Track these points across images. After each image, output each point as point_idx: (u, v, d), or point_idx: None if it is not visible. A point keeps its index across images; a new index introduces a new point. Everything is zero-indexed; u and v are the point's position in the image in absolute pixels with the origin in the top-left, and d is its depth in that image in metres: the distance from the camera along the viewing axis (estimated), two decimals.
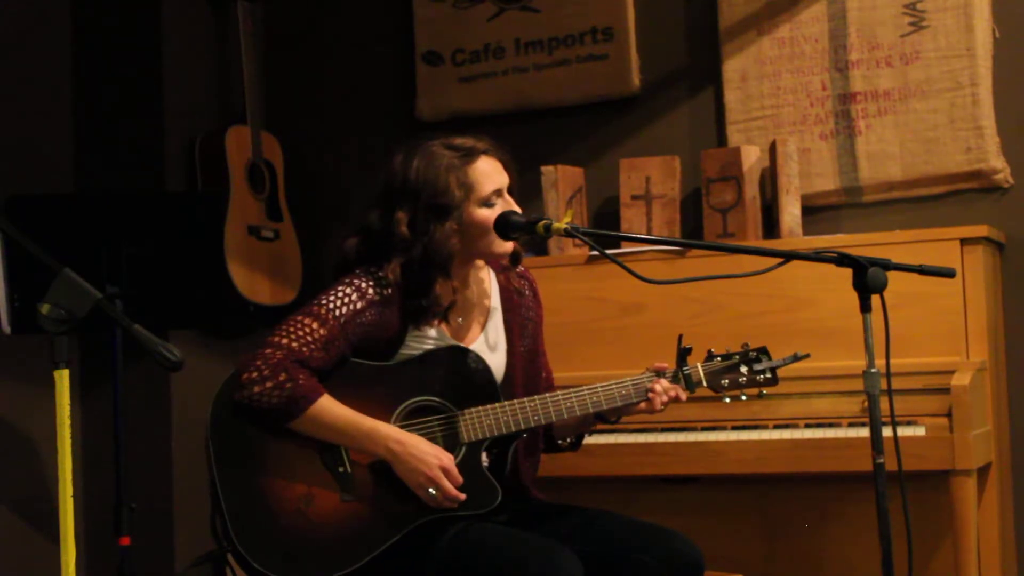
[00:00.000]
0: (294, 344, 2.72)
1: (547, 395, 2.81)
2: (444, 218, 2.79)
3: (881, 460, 2.56)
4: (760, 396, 2.90)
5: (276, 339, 2.74)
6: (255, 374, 2.69)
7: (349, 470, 2.74)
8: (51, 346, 2.14)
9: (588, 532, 2.79)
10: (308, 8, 4.74)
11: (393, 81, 4.60)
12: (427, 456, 2.70)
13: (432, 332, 2.85)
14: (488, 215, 2.82)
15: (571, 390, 2.81)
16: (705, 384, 2.86)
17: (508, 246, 2.86)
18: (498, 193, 2.85)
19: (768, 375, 2.87)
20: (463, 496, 2.71)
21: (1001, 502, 3.57)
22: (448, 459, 2.71)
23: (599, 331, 3.79)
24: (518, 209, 2.87)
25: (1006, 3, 3.86)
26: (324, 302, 2.79)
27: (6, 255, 3.37)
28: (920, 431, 3.27)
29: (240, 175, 4.35)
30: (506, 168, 2.89)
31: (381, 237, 2.84)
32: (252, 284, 4.30)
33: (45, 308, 2.12)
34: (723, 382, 2.86)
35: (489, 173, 2.84)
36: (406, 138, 2.98)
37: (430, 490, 2.69)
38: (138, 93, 4.36)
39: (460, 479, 2.71)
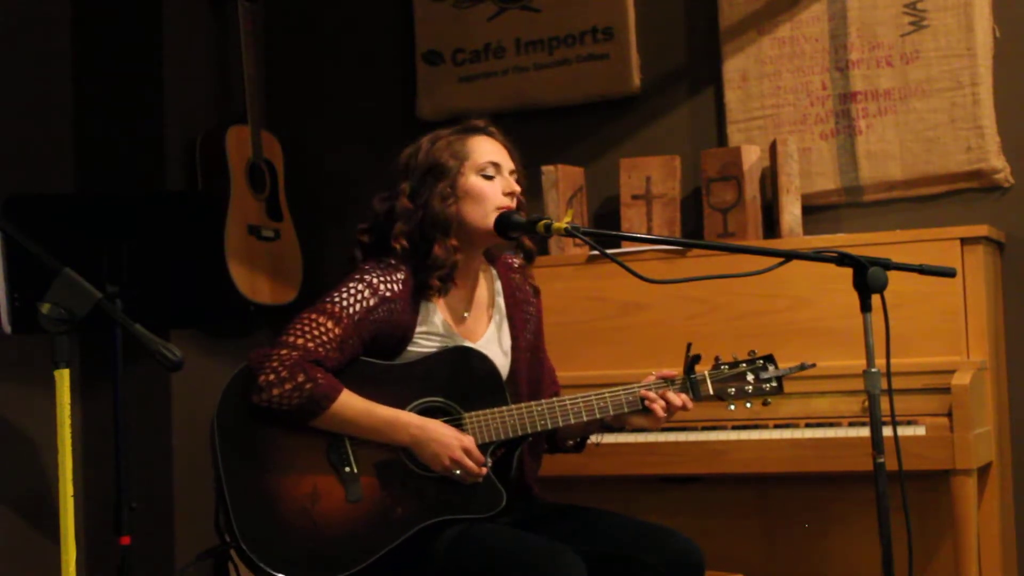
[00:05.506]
0: (310, 344, 2.73)
1: (554, 400, 2.82)
2: (439, 181, 2.84)
3: (881, 460, 2.55)
4: (765, 404, 2.90)
5: (291, 339, 2.74)
6: (272, 376, 2.69)
7: (355, 470, 2.74)
8: (51, 346, 2.14)
9: (590, 532, 2.79)
10: (308, 8, 4.74)
11: (393, 81, 4.60)
12: (448, 439, 2.72)
13: (440, 327, 2.86)
14: (483, 184, 2.85)
15: (578, 395, 2.82)
16: (712, 393, 2.84)
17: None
18: (496, 167, 2.87)
19: (774, 384, 2.86)
20: (485, 471, 2.74)
21: (1001, 502, 3.57)
22: (469, 440, 2.73)
23: (599, 331, 3.79)
24: (516, 188, 2.89)
25: (1006, 3, 3.86)
26: (337, 299, 2.79)
27: (6, 255, 3.36)
28: (920, 431, 3.27)
29: (240, 175, 4.35)
30: (510, 155, 2.92)
31: (387, 218, 2.86)
32: (252, 284, 4.29)
33: (45, 308, 2.12)
34: (730, 390, 2.85)
35: (486, 147, 2.89)
36: (406, 138, 2.99)
37: (455, 471, 2.72)
38: (138, 93, 4.35)
39: (482, 457, 2.74)
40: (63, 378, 2.12)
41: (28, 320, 3.28)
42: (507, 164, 2.90)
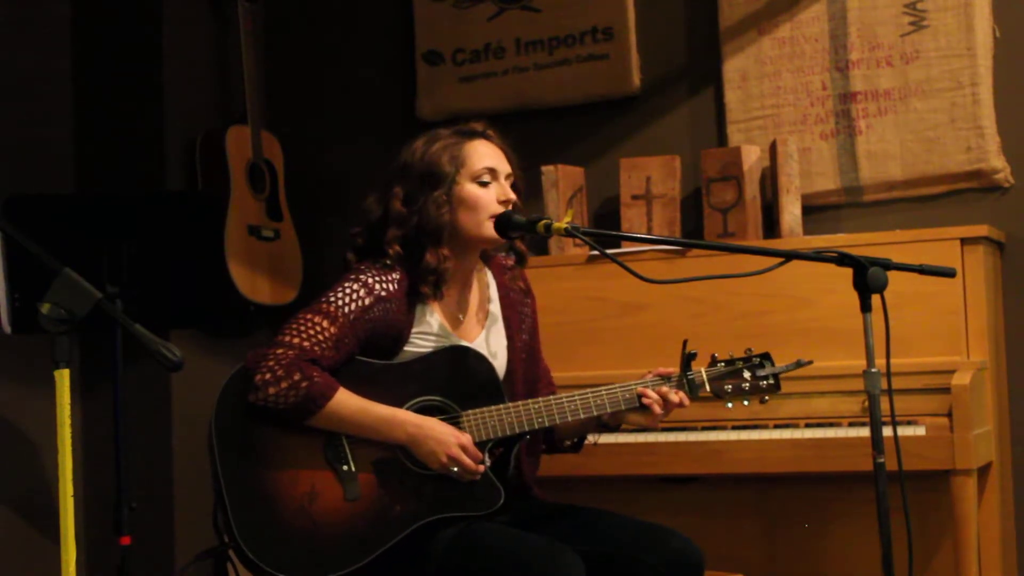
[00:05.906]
0: (306, 344, 2.73)
1: (551, 397, 2.82)
2: (434, 188, 2.83)
3: (881, 460, 2.56)
4: (762, 402, 2.90)
5: (287, 338, 2.74)
6: (268, 375, 2.69)
7: (353, 469, 2.74)
8: (51, 346, 2.14)
9: (589, 532, 2.79)
10: (308, 8, 4.74)
11: (393, 81, 4.60)
12: (445, 436, 2.72)
13: (435, 328, 2.86)
14: (478, 192, 2.84)
15: (575, 393, 2.81)
16: (708, 390, 2.84)
17: (496, 233, 2.87)
18: (492, 174, 2.87)
19: (771, 381, 2.85)
20: (482, 468, 2.74)
21: (1002, 502, 3.57)
22: (466, 438, 2.73)
23: (599, 331, 3.79)
24: (512, 195, 2.88)
25: (1006, 3, 3.86)
26: (333, 299, 2.79)
27: (6, 255, 3.36)
28: (920, 431, 3.27)
29: (240, 175, 4.35)
30: (508, 159, 2.91)
31: (381, 221, 2.86)
32: (252, 284, 4.29)
33: (45, 308, 2.12)
34: (726, 388, 2.85)
35: (483, 152, 2.88)
36: (406, 138, 2.99)
37: (453, 468, 2.71)
38: (138, 93, 4.35)
39: (479, 455, 2.74)
40: (63, 378, 2.12)
41: (28, 320, 3.28)
42: (504, 169, 2.89)
